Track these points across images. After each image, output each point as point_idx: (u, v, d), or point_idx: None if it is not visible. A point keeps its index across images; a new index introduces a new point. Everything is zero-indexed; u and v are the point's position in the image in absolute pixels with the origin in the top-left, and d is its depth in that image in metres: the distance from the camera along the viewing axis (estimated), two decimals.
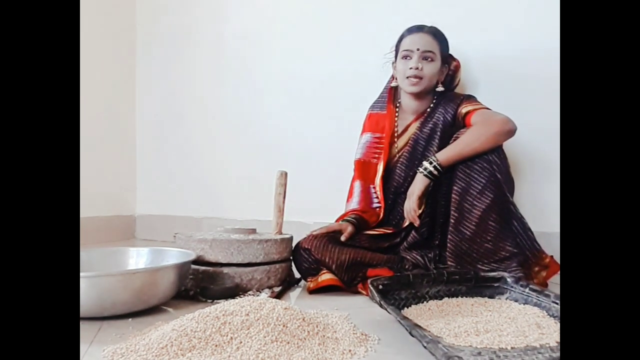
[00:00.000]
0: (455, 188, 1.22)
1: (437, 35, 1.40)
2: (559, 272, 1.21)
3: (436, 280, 1.05)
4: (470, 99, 1.36)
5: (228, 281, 1.17)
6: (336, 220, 1.44)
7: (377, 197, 1.45)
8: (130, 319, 0.97)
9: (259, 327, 0.77)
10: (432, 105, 1.43)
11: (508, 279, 1.06)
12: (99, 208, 2.27)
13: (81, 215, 1.95)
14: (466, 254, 1.19)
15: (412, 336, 0.76)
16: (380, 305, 0.88)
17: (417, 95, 1.41)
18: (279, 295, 1.20)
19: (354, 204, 1.46)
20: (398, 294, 1.01)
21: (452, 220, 1.21)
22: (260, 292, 1.18)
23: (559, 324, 0.86)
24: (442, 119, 1.37)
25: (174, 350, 0.72)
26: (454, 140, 1.27)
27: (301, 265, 1.31)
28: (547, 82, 1.55)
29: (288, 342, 0.75)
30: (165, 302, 1.07)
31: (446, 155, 1.24)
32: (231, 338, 0.74)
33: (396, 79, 1.46)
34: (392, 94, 1.51)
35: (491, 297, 1.05)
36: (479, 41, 1.66)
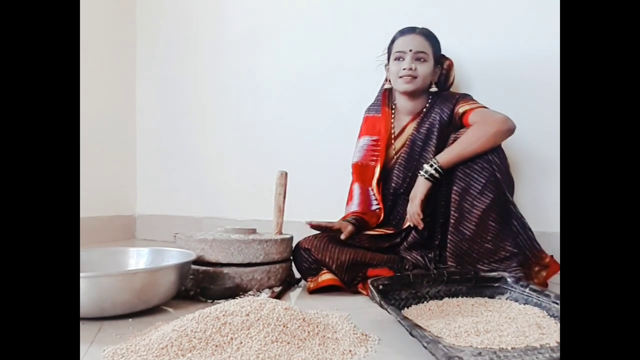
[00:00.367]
0: (455, 188, 1.22)
1: (429, 37, 1.40)
2: (559, 272, 1.21)
3: (436, 280, 1.05)
4: (466, 97, 1.36)
5: (228, 281, 1.17)
6: None
7: (376, 199, 1.45)
8: (130, 319, 0.97)
9: (259, 327, 0.77)
10: (427, 105, 1.43)
11: (508, 279, 1.06)
12: (99, 208, 2.27)
13: (81, 215, 1.95)
14: (466, 254, 1.19)
15: (413, 336, 0.76)
16: (381, 306, 0.88)
17: (412, 95, 1.41)
18: (279, 296, 1.20)
19: (354, 206, 1.46)
20: (398, 294, 1.01)
21: (452, 220, 1.21)
22: (261, 292, 1.18)
23: (559, 324, 0.86)
24: (438, 118, 1.37)
25: (174, 351, 0.72)
26: (453, 141, 1.27)
27: (301, 265, 1.31)
28: (547, 81, 1.55)
29: (288, 343, 0.75)
30: (165, 302, 1.07)
31: (447, 157, 1.24)
32: (231, 338, 0.74)
33: (389, 80, 1.47)
34: (386, 96, 1.51)
35: (491, 297, 1.05)
36: (474, 42, 1.66)
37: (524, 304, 0.98)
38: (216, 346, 0.73)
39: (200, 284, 1.17)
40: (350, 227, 1.35)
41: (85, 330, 0.90)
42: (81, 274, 0.89)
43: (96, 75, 2.24)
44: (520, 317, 0.89)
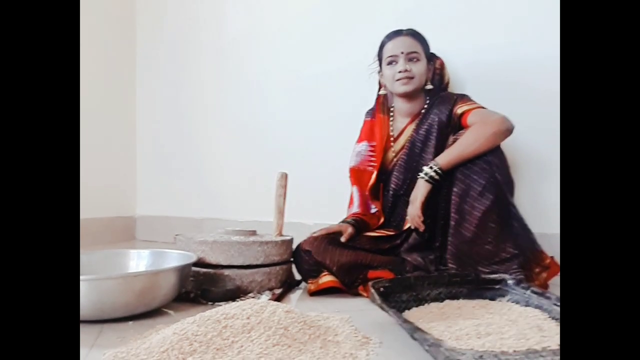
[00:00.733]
0: (455, 190, 1.22)
1: (417, 36, 1.40)
2: (559, 273, 1.21)
3: (437, 282, 1.05)
4: (464, 98, 1.36)
5: (229, 283, 1.17)
6: None
7: (372, 203, 1.46)
8: (130, 322, 0.97)
9: (260, 330, 0.76)
10: (426, 107, 1.43)
11: (509, 281, 1.06)
12: (99, 209, 2.28)
13: (81, 217, 1.95)
14: (467, 256, 1.19)
15: (414, 339, 0.75)
16: (382, 308, 0.88)
17: (409, 96, 1.41)
18: (279, 298, 1.20)
19: (355, 208, 1.47)
20: (399, 297, 1.01)
21: (452, 222, 1.21)
22: (261, 294, 1.18)
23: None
24: (437, 119, 1.37)
25: (175, 354, 0.72)
26: (453, 142, 1.27)
27: (302, 266, 1.31)
28: (547, 82, 1.55)
29: (289, 346, 0.74)
30: (166, 304, 1.07)
31: (446, 158, 1.24)
32: (232, 342, 0.74)
33: (384, 86, 1.47)
34: (380, 102, 1.52)
35: (492, 299, 1.05)
36: (473, 44, 1.66)
37: (525, 306, 0.98)
38: (217, 349, 0.73)
39: (200, 286, 1.17)
40: (350, 229, 1.35)
41: (86, 333, 0.89)
42: (81, 277, 0.89)
43: (96, 75, 2.24)
44: (521, 320, 0.89)
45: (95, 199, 2.23)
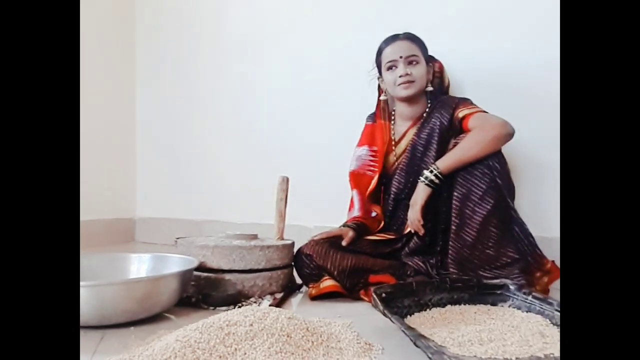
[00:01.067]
0: (455, 194, 1.22)
1: (414, 39, 1.41)
2: (560, 277, 1.21)
3: (439, 287, 1.05)
4: (466, 102, 1.36)
5: (230, 288, 1.17)
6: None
7: (371, 207, 1.46)
8: (132, 328, 0.97)
9: (263, 337, 0.76)
10: (427, 110, 1.43)
11: (511, 286, 1.06)
12: (98, 211, 2.27)
13: (81, 218, 1.94)
14: (468, 260, 1.19)
15: (417, 346, 0.76)
16: (384, 315, 0.88)
17: (411, 100, 1.41)
18: (280, 302, 1.19)
19: (355, 212, 1.47)
20: (401, 302, 1.01)
21: (453, 227, 1.21)
22: (263, 299, 1.18)
23: None
24: (438, 123, 1.36)
25: None
26: (453, 146, 1.27)
27: (302, 271, 1.31)
28: (547, 86, 1.55)
29: (292, 353, 0.74)
30: (167, 309, 1.07)
31: (446, 162, 1.24)
32: (235, 349, 0.74)
33: (384, 91, 1.47)
34: (382, 108, 1.52)
35: (494, 304, 1.05)
36: (473, 48, 1.66)
37: (527, 312, 0.98)
38: (220, 357, 0.73)
39: (202, 290, 1.17)
40: (351, 233, 1.35)
41: (88, 340, 0.89)
42: (83, 283, 0.89)
43: (95, 77, 2.24)
44: (523, 326, 0.89)
45: (95, 200, 2.23)
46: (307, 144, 2.02)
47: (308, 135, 2.01)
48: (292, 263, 1.33)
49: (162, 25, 2.44)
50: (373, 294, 0.93)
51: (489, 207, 1.17)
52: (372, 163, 1.47)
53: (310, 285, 1.29)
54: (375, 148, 1.48)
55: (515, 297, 1.04)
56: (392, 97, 1.47)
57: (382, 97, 1.51)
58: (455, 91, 1.56)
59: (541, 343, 0.81)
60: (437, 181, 1.24)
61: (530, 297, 1.00)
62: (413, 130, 1.43)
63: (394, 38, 1.41)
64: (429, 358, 0.72)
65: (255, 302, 1.16)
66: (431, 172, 1.25)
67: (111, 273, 1.19)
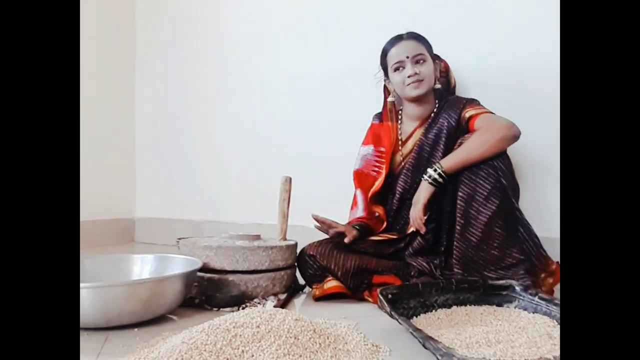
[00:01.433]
0: (460, 194, 1.21)
1: (419, 38, 1.40)
2: (560, 277, 1.21)
3: (445, 288, 1.05)
4: (474, 102, 1.36)
5: (234, 289, 1.16)
6: None
7: (374, 208, 1.45)
8: (136, 329, 0.96)
9: (270, 339, 0.76)
10: (435, 111, 1.42)
11: (516, 287, 1.05)
12: (98, 211, 2.26)
13: (80, 219, 1.93)
14: (472, 261, 1.18)
15: (426, 348, 0.75)
16: (391, 316, 0.87)
17: (420, 100, 1.41)
18: (284, 303, 1.19)
19: (359, 212, 1.45)
20: (407, 303, 1.00)
21: (458, 227, 1.21)
22: (266, 300, 1.17)
23: None
24: (446, 124, 1.36)
25: None
26: (458, 146, 1.26)
27: (306, 271, 1.30)
28: (551, 86, 1.55)
29: (300, 356, 0.74)
30: (171, 311, 1.06)
31: (451, 162, 1.24)
32: (242, 351, 0.73)
33: (392, 92, 1.46)
34: (389, 109, 1.51)
35: (499, 305, 1.05)
36: (478, 49, 1.66)
37: (533, 313, 0.98)
38: (227, 359, 0.72)
39: (205, 291, 1.16)
40: (354, 232, 1.34)
41: (92, 341, 0.88)
42: (87, 285, 0.88)
43: (95, 76, 2.22)
44: (530, 327, 0.89)
45: (94, 201, 2.21)
46: (309, 144, 2.01)
47: (310, 135, 2.01)
48: (296, 264, 1.33)
49: (162, 25, 2.42)
50: (379, 295, 0.93)
51: (494, 207, 1.16)
52: (377, 163, 1.46)
53: (314, 286, 1.28)
54: (382, 149, 1.47)
55: (522, 298, 1.03)
56: (400, 97, 1.46)
57: (389, 99, 1.50)
58: (460, 92, 1.55)
59: (549, 345, 0.80)
60: (440, 180, 1.24)
61: (536, 298, 1.00)
62: (420, 131, 1.42)
63: (399, 38, 1.40)
64: None
65: (259, 303, 1.15)
66: (435, 170, 1.24)
67: (114, 274, 1.18)
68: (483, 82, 1.63)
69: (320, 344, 0.79)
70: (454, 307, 1.03)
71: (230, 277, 1.17)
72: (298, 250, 1.34)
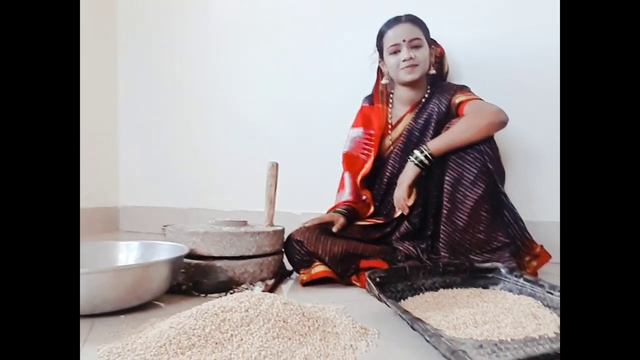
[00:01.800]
0: (447, 178, 1.22)
1: (417, 21, 1.39)
2: (549, 262, 1.23)
3: (432, 272, 1.06)
4: (464, 89, 1.36)
5: (221, 275, 1.16)
6: (328, 212, 1.44)
7: (362, 191, 1.45)
8: (122, 316, 0.95)
9: (259, 323, 0.75)
10: (426, 96, 1.42)
11: (502, 270, 1.07)
12: (81, 199, 2.22)
13: None
14: (459, 245, 1.20)
15: (414, 330, 0.76)
16: (379, 299, 0.88)
17: (413, 84, 1.40)
18: (272, 289, 1.19)
19: (346, 195, 1.46)
20: (394, 286, 1.01)
21: (444, 211, 1.22)
22: (254, 285, 1.17)
23: (554, 314, 0.87)
24: (436, 109, 1.36)
25: (173, 349, 0.70)
26: (446, 130, 1.27)
27: (293, 257, 1.30)
28: (535, 72, 1.57)
29: (290, 339, 0.74)
30: (158, 297, 1.05)
31: (437, 144, 1.24)
32: (231, 335, 0.73)
33: (385, 75, 1.46)
34: (380, 91, 1.50)
35: (485, 287, 1.06)
36: (466, 34, 1.66)
37: (519, 294, 0.99)
38: (216, 343, 0.72)
39: (192, 278, 1.16)
40: (342, 220, 1.35)
41: None
42: None
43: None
44: (516, 308, 0.90)
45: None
46: (293, 130, 2.00)
47: (294, 122, 2.00)
48: (283, 249, 1.32)
49: (145, 8, 2.37)
50: (367, 279, 0.93)
51: (480, 191, 1.18)
52: (366, 146, 1.46)
53: (302, 272, 1.28)
54: (371, 131, 1.47)
55: (507, 280, 1.05)
56: (393, 80, 1.46)
57: (383, 81, 1.49)
58: (451, 77, 1.56)
59: (534, 324, 0.82)
60: (426, 162, 1.24)
61: (521, 280, 1.01)
62: (411, 115, 1.42)
63: (396, 21, 1.39)
64: (426, 341, 0.72)
65: (246, 288, 1.15)
66: (421, 152, 1.25)
67: (99, 261, 1.16)
68: (473, 69, 1.64)
69: (309, 327, 0.79)
70: (441, 290, 1.04)
71: (218, 263, 1.17)
72: (285, 236, 1.33)
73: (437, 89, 1.41)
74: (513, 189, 1.53)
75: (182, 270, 1.17)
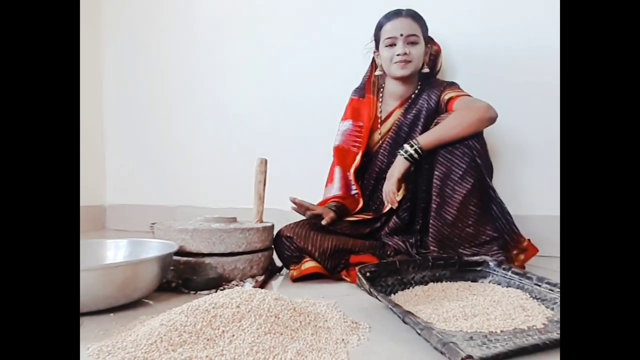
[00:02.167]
0: (436, 173, 1.23)
1: (417, 18, 1.39)
2: (536, 255, 1.25)
3: (421, 266, 1.06)
4: (453, 85, 1.37)
5: (211, 272, 1.15)
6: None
7: (354, 185, 1.45)
8: (112, 314, 0.94)
9: (250, 319, 0.75)
10: (416, 92, 1.43)
11: (490, 263, 1.08)
12: None
13: None
14: (448, 239, 1.21)
15: (405, 323, 0.76)
16: (370, 293, 0.88)
17: (404, 80, 1.41)
18: (262, 285, 1.19)
19: (335, 189, 1.46)
20: (385, 281, 1.02)
21: (434, 206, 1.22)
22: (244, 282, 1.17)
23: (542, 306, 0.89)
24: (425, 105, 1.37)
25: (164, 346, 0.70)
26: (435, 125, 1.28)
27: (283, 253, 1.30)
28: (524, 68, 1.58)
29: (281, 334, 0.74)
30: (147, 295, 1.04)
31: (427, 139, 1.25)
32: (223, 331, 0.73)
33: (378, 67, 1.45)
34: (372, 82, 1.50)
35: (474, 280, 1.07)
36: (458, 29, 1.67)
37: (507, 287, 1.01)
38: (208, 340, 0.71)
39: (182, 275, 1.15)
40: (331, 214, 1.35)
41: None
42: None
43: None
44: (505, 300, 0.92)
45: None
46: (281, 126, 1.99)
47: (283, 117, 1.99)
48: (272, 245, 1.32)
49: (129, 6, 2.34)
50: (358, 273, 0.93)
51: (469, 186, 1.18)
52: (357, 138, 1.46)
53: (292, 267, 1.28)
54: (360, 123, 1.47)
55: (495, 273, 1.06)
56: (385, 74, 1.45)
57: (376, 73, 1.48)
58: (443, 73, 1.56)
59: (523, 316, 0.83)
60: (416, 156, 1.25)
61: (509, 273, 1.03)
62: (400, 111, 1.43)
63: (397, 14, 1.38)
64: (418, 334, 0.73)
65: (236, 285, 1.15)
66: (411, 146, 1.25)
67: (88, 259, 1.14)
68: (461, 63, 1.65)
69: (300, 322, 0.79)
70: (431, 284, 1.05)
71: (207, 260, 1.16)
72: (275, 232, 1.33)
73: (427, 85, 1.41)
74: (501, 184, 1.55)
75: (172, 268, 1.16)
